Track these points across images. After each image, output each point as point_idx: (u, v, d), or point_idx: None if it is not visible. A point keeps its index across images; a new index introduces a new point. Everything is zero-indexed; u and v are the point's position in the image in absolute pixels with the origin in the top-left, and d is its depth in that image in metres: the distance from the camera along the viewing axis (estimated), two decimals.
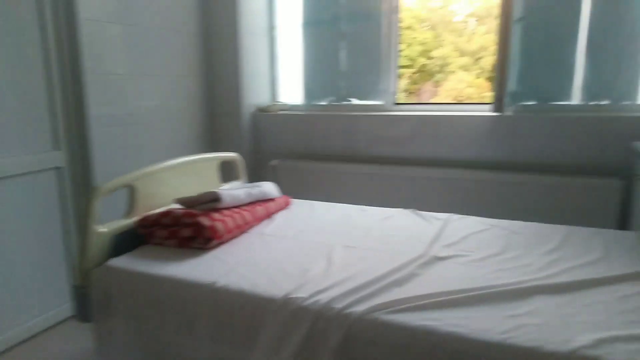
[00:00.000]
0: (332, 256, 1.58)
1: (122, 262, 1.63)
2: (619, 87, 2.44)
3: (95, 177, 2.30)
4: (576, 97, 2.53)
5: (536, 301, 1.25)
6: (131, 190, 1.82)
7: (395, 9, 2.92)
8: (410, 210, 2.06)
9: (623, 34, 2.39)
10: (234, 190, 1.90)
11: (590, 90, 2.49)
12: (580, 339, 1.06)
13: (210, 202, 1.80)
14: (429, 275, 1.44)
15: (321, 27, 3.11)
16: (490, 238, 1.72)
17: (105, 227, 1.68)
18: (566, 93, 2.55)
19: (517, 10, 2.53)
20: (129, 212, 1.82)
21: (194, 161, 2.16)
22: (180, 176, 2.08)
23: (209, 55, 3.11)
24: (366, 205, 2.33)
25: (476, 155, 2.65)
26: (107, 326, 1.61)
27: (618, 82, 2.44)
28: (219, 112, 3.16)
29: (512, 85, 2.61)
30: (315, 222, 1.97)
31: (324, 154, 3.06)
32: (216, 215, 1.75)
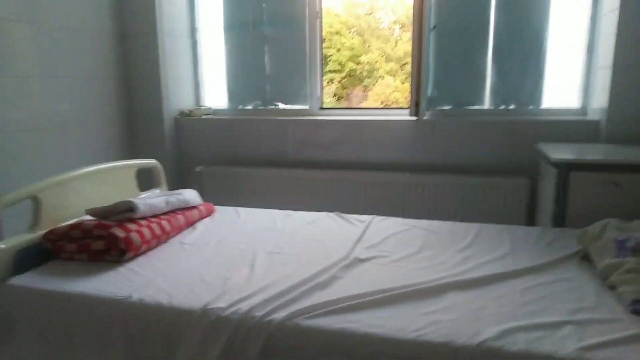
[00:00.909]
0: (254, 263, 1.56)
1: (25, 279, 1.49)
2: (524, 92, 2.64)
3: None
4: (487, 102, 2.70)
5: (449, 297, 1.31)
6: (35, 202, 1.68)
7: (317, 14, 2.96)
8: (335, 213, 2.09)
9: (526, 43, 2.59)
10: (152, 199, 1.82)
11: (498, 95, 2.67)
12: (488, 331, 1.12)
13: (125, 212, 1.70)
14: (350, 278, 1.46)
15: (244, 30, 3.07)
16: (410, 238, 1.78)
17: (4, 244, 1.54)
18: (479, 98, 2.71)
19: (432, 19, 2.66)
20: (33, 226, 1.68)
21: (109, 169, 2.04)
22: (94, 185, 1.95)
23: (127, 56, 2.96)
24: (293, 210, 2.33)
25: (398, 158, 2.75)
26: (9, 351, 1.48)
27: (523, 87, 2.64)
28: (139, 116, 3.02)
29: (429, 90, 2.73)
30: (239, 229, 1.93)
31: (251, 159, 3.02)
32: (132, 226, 1.66)
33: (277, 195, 2.86)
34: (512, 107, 2.66)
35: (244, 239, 1.81)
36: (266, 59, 3.08)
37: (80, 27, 2.62)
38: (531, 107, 2.64)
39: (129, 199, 1.75)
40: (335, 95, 10.42)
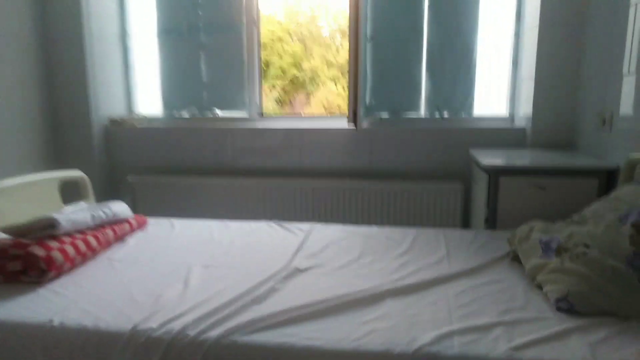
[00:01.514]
0: (189, 278, 1.49)
1: None
2: (456, 100, 2.75)
3: None
4: (423, 110, 2.79)
5: (387, 304, 1.32)
6: None
7: (255, 21, 2.92)
8: (274, 222, 2.05)
9: (457, 54, 2.70)
10: (77, 214, 1.70)
11: (433, 103, 2.76)
12: (424, 337, 1.13)
13: (45, 229, 1.57)
14: (289, 289, 1.43)
15: (178, 36, 2.97)
16: (349, 245, 1.78)
17: None
18: (414, 106, 2.79)
19: (368, 30, 2.71)
20: None
21: (29, 183, 1.89)
22: (12, 201, 1.79)
23: (51, 61, 2.77)
24: (232, 219, 2.27)
25: (338, 165, 2.76)
26: None
27: (455, 96, 2.74)
28: (65, 124, 2.83)
29: (367, 98, 2.78)
30: (173, 242, 1.85)
31: (188, 167, 2.92)
32: (53, 244, 1.53)
33: (216, 205, 2.78)
34: (445, 115, 2.76)
35: (178, 252, 1.73)
36: (202, 65, 3.00)
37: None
38: (464, 114, 2.75)
39: (50, 215, 1.62)
40: (278, 101, 10.44)
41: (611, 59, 2.01)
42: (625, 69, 1.89)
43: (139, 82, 3.13)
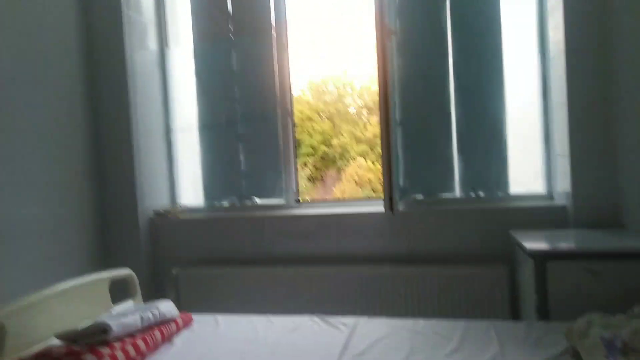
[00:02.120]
0: None
1: None
2: (490, 179, 2.75)
3: None
4: (458, 190, 2.79)
5: None
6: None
7: (289, 112, 3.08)
8: (318, 316, 2.03)
9: (487, 133, 2.74)
10: (127, 317, 1.73)
11: (467, 183, 2.77)
12: None
13: (97, 335, 1.61)
14: None
15: (218, 129, 3.16)
16: (396, 342, 1.73)
17: None
18: (449, 186, 2.80)
19: (397, 115, 2.80)
20: None
21: (81, 285, 1.95)
22: (64, 304, 1.85)
23: (101, 160, 2.97)
24: (274, 310, 2.27)
25: (376, 250, 2.75)
26: None
27: (489, 175, 2.75)
28: (113, 219, 2.97)
29: (400, 181, 2.81)
30: (219, 342, 1.84)
31: (228, 257, 2.96)
32: (104, 350, 1.56)
33: (257, 294, 2.78)
34: (481, 194, 2.75)
35: (224, 354, 1.72)
36: (241, 155, 3.14)
37: (53, 135, 2.63)
38: (500, 193, 2.74)
39: (102, 320, 1.66)
40: (309, 178, 10.62)
41: None
42: None
43: (182, 173, 3.29)
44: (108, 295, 2.06)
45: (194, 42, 3.21)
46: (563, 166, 2.50)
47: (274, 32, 3.06)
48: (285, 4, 3.07)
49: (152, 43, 3.19)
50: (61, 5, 2.76)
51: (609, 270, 1.88)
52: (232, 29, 3.13)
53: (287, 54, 3.09)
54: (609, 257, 1.90)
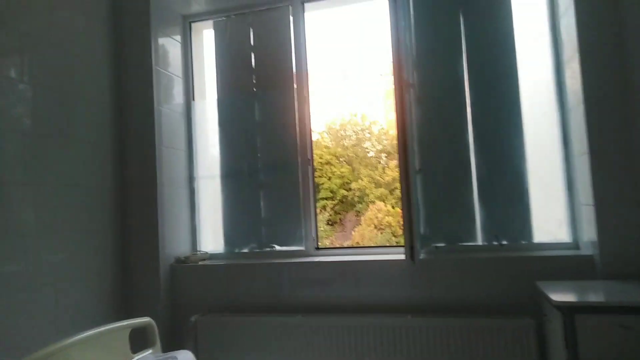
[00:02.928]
0: None
1: None
2: (513, 227, 2.71)
3: None
4: (480, 238, 2.75)
5: None
6: None
7: (309, 161, 3.14)
8: None
9: (508, 181, 2.73)
10: None
11: (489, 231, 2.73)
12: None
13: None
14: None
15: (240, 177, 3.23)
16: None
17: None
18: (471, 235, 2.77)
19: (417, 163, 2.83)
20: None
21: (102, 333, 1.96)
22: (86, 351, 1.85)
23: (126, 209, 3.04)
24: (292, 358, 2.22)
25: (396, 299, 2.69)
26: None
27: (512, 223, 2.71)
28: (134, 267, 3.00)
29: (421, 229, 2.79)
30: None
31: (247, 305, 2.94)
32: None
33: (276, 343, 2.73)
34: (504, 242, 2.70)
35: None
36: (261, 203, 3.18)
37: (81, 184, 2.73)
38: (524, 242, 2.69)
39: None
40: (329, 221, 10.68)
41: None
42: None
43: (203, 221, 3.34)
44: (128, 345, 2.06)
45: (218, 95, 3.35)
46: (588, 215, 2.45)
47: (295, 84, 3.18)
48: (306, 57, 3.20)
49: (179, 96, 3.33)
50: (95, 60, 2.94)
51: None
52: (255, 82, 3.26)
53: (308, 104, 3.18)
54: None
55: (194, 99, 3.41)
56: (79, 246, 2.68)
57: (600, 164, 2.37)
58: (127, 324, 2.07)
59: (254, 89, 3.26)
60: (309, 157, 3.15)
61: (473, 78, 2.81)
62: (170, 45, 3.27)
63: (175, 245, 3.14)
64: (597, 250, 2.37)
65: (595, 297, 1.99)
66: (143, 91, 3.08)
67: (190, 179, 3.35)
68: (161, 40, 3.17)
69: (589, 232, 2.46)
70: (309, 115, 3.19)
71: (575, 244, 2.62)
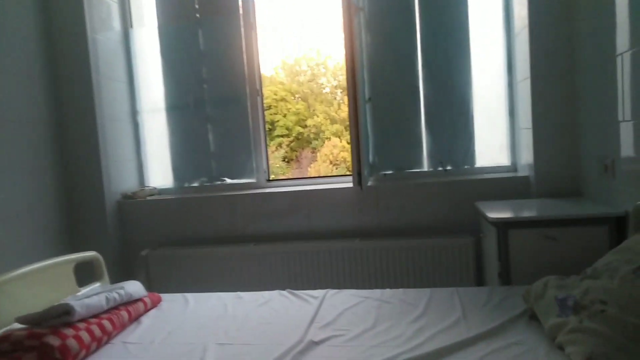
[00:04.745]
0: (204, 359, 1.48)
1: None
2: (458, 153, 2.79)
3: None
4: (426, 165, 2.83)
5: None
6: None
7: (258, 92, 3.05)
8: (287, 291, 2.05)
9: (454, 109, 2.78)
10: (91, 298, 1.71)
11: (435, 157, 2.81)
12: None
13: (60, 317, 1.59)
14: None
15: (186, 110, 3.11)
16: (364, 311, 1.77)
17: None
18: (418, 162, 2.84)
19: (366, 92, 2.81)
20: None
21: (45, 267, 1.91)
22: (28, 287, 1.82)
23: (65, 144, 2.89)
24: (245, 287, 2.28)
25: (347, 225, 2.78)
26: None
27: (456, 149, 2.79)
28: (79, 203, 2.91)
29: (370, 157, 2.84)
30: (188, 319, 1.84)
31: (199, 238, 2.95)
32: (68, 331, 1.54)
33: (229, 273, 2.78)
34: (449, 168, 2.80)
35: (193, 330, 1.72)
36: (210, 136, 3.11)
37: (15, 119, 2.55)
38: (466, 166, 2.79)
39: (65, 301, 1.64)
40: (284, 158, 10.65)
41: (606, 106, 2.06)
42: (620, 116, 1.93)
43: (150, 156, 3.24)
44: (73, 279, 2.03)
45: (158, 21, 3.13)
46: (526, 139, 2.56)
47: (241, 10, 3.01)
48: None
49: (116, 23, 3.10)
50: None
51: (565, 236, 1.95)
52: (197, 7, 3.06)
53: (255, 32, 3.04)
54: (565, 224, 1.97)
55: (132, 26, 3.18)
56: (19, 184, 2.55)
57: (540, 89, 2.44)
58: (70, 258, 2.03)
59: (197, 15, 3.07)
60: (258, 87, 3.06)
61: (423, 3, 2.76)
62: None
63: (121, 181, 3.05)
64: (532, 171, 2.50)
65: (527, 213, 2.12)
66: (74, 17, 2.82)
67: (134, 112, 3.20)
68: None
69: (526, 156, 2.58)
70: (257, 43, 3.05)
71: (513, 167, 2.76)
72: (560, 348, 1.34)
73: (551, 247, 1.96)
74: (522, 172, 2.65)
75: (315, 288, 2.26)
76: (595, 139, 2.22)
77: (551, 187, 2.45)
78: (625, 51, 1.85)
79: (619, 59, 1.92)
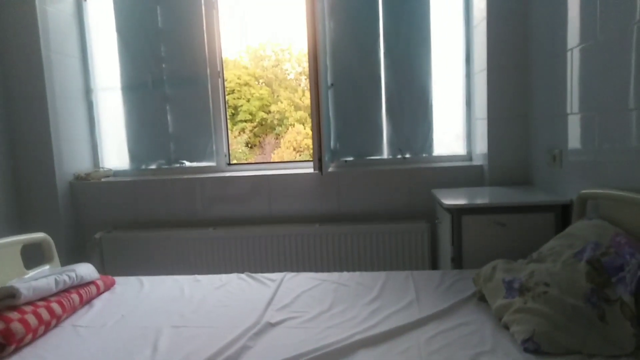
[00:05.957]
0: (158, 342, 1.46)
1: None
2: (416, 141, 2.85)
3: None
4: (386, 152, 2.88)
5: (359, 356, 1.32)
6: None
7: (219, 73, 2.99)
8: (245, 274, 2.04)
9: (414, 98, 2.82)
10: (39, 280, 1.65)
11: (394, 145, 2.86)
12: None
13: (4, 300, 1.52)
14: (261, 346, 1.41)
15: (143, 90, 3.01)
16: (321, 294, 1.79)
17: None
18: (377, 149, 2.88)
19: (328, 78, 2.81)
20: None
21: None
22: None
23: (10, 120, 2.74)
24: (203, 272, 2.25)
25: (307, 210, 2.79)
26: None
27: (415, 137, 2.85)
28: (28, 183, 2.78)
29: (331, 143, 2.85)
30: (142, 302, 1.81)
31: (156, 221, 2.88)
32: (13, 315, 1.48)
33: (187, 257, 2.74)
34: (407, 155, 2.86)
35: (147, 313, 1.69)
36: (168, 118, 3.02)
37: None
38: (424, 154, 2.85)
39: (9, 284, 1.57)
40: (247, 144, 10.51)
41: (556, 99, 2.15)
42: (568, 109, 2.02)
43: (105, 136, 3.12)
44: (20, 261, 1.95)
45: None
46: (481, 129, 2.64)
47: None
48: None
49: None
50: None
51: (514, 222, 2.04)
52: None
53: (217, 12, 2.97)
54: (515, 211, 2.05)
55: None
56: None
57: (496, 80, 2.52)
58: (16, 239, 1.94)
59: None
60: (219, 69, 3.00)
61: None
62: None
63: (73, 162, 2.93)
64: (486, 161, 2.59)
65: (480, 200, 2.20)
66: None
67: (87, 90, 3.07)
68: None
69: (481, 145, 2.67)
70: (218, 24, 2.98)
71: (469, 156, 2.84)
72: (506, 327, 1.41)
73: (502, 233, 2.05)
74: (476, 161, 2.74)
75: (273, 271, 2.26)
76: (545, 131, 2.31)
77: (503, 176, 2.54)
78: (575, 46, 1.94)
79: (569, 54, 2.00)
